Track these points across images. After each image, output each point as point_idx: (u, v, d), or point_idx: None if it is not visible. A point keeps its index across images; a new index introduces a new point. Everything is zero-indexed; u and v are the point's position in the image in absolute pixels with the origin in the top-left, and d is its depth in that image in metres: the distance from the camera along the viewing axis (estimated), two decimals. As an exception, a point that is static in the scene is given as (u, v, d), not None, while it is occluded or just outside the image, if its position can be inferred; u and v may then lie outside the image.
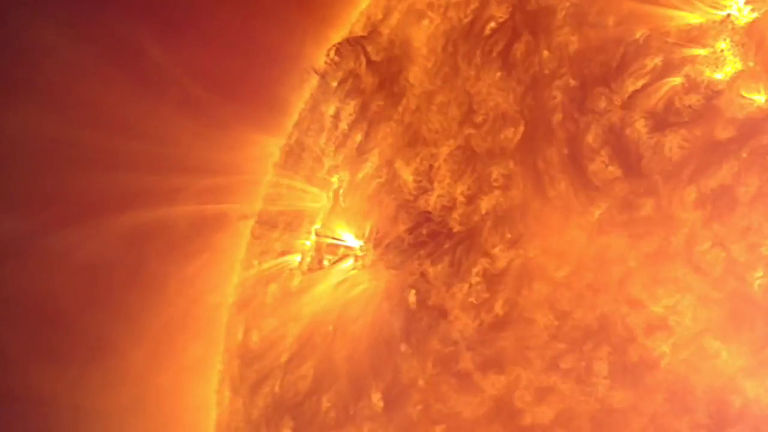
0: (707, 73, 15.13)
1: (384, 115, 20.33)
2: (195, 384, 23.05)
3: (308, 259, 21.03)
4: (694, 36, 15.47)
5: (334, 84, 22.23)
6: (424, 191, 18.61)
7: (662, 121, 15.27)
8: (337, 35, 23.38)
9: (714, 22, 15.37)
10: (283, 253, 21.89)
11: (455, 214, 17.78)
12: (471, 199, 17.57)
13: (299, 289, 20.88)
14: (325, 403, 18.96)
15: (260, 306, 21.99)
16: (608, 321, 15.16)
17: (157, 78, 21.42)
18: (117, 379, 21.15)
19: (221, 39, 22.11)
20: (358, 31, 22.68)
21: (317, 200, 21.65)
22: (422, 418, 16.92)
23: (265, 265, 22.28)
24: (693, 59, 15.36)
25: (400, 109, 19.90)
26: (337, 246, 20.41)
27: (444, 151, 18.54)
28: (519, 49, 17.79)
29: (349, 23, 23.51)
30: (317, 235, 21.02)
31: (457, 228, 17.67)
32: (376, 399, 17.92)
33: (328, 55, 22.60)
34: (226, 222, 23.18)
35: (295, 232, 21.83)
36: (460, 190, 17.83)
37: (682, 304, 14.44)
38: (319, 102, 22.63)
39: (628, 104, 15.81)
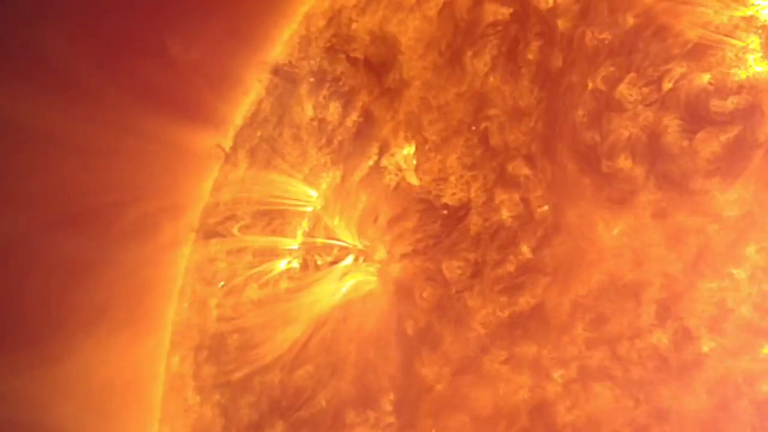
0: (736, 72, 15.02)
1: (380, 114, 19.74)
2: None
3: (297, 260, 20.34)
4: (723, 33, 15.34)
5: (306, 82, 21.71)
6: (435, 188, 18.08)
7: (692, 121, 15.14)
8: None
9: (742, 18, 15.21)
10: (266, 254, 21.11)
11: (472, 211, 17.31)
12: (488, 196, 17.14)
13: (289, 290, 20.06)
14: (327, 409, 18.21)
15: (239, 305, 21.18)
16: (641, 328, 14.93)
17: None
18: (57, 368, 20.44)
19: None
20: (321, 25, 22.32)
21: (302, 200, 20.98)
22: (439, 423, 16.39)
23: (241, 265, 21.50)
24: (720, 58, 15.21)
25: (400, 107, 19.35)
26: (332, 246, 19.78)
27: (454, 147, 18.08)
28: (531, 46, 17.49)
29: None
30: (308, 235, 20.38)
31: (474, 226, 17.20)
32: (387, 405, 17.35)
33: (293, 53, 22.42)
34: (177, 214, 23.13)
35: (278, 232, 21.07)
36: (475, 186, 17.38)
37: (727, 305, 14.32)
38: (286, 102, 22.08)
39: (653, 103, 15.67)
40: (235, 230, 22.18)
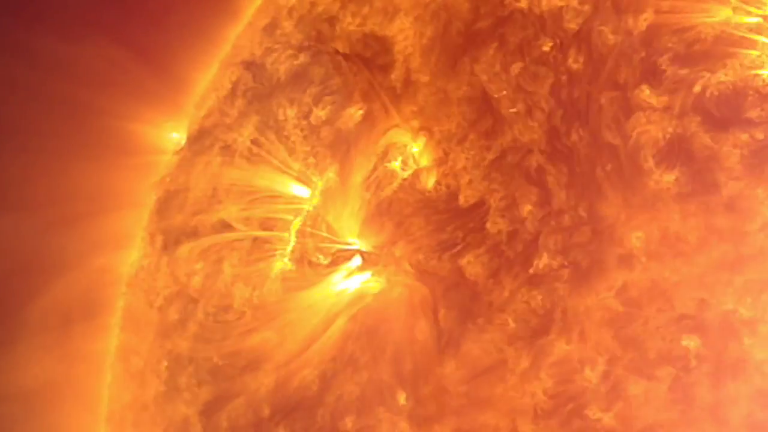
0: (759, 73, 15.25)
1: (382, 113, 19.41)
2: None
3: (291, 261, 19.78)
4: (744, 33, 15.54)
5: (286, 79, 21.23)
6: (448, 188, 17.87)
7: (718, 123, 15.32)
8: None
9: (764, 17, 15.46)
10: (253, 253, 20.47)
11: (491, 211, 17.13)
12: (508, 197, 17.02)
13: (284, 291, 19.48)
14: (332, 413, 17.81)
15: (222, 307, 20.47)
16: (669, 341, 15.07)
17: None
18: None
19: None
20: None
21: (290, 197, 20.45)
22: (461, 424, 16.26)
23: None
24: (742, 59, 15.41)
25: (407, 105, 19.10)
26: (331, 246, 19.33)
27: (467, 146, 17.92)
28: (545, 45, 17.48)
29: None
30: (303, 235, 19.86)
31: (494, 226, 17.06)
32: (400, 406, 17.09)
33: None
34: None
35: (268, 229, 20.46)
36: (492, 186, 17.23)
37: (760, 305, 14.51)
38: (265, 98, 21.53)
39: (674, 105, 15.88)
40: (209, 228, 21.50)
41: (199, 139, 22.84)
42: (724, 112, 15.29)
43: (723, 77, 15.38)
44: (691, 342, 14.78)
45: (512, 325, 16.27)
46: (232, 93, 22.55)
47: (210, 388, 19.96)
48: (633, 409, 14.92)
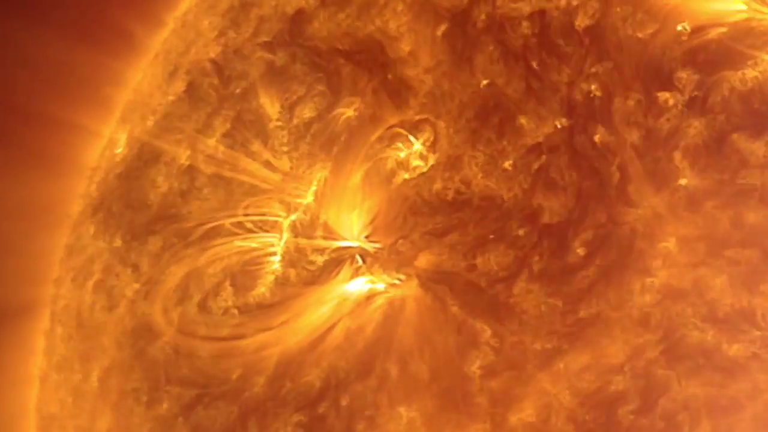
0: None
1: (380, 109, 18.73)
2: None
3: (282, 263, 18.88)
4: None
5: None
6: (456, 188, 17.34)
7: (748, 122, 15.34)
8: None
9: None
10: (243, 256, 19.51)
11: (502, 210, 16.72)
12: (522, 196, 16.64)
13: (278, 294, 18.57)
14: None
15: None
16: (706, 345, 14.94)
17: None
18: None
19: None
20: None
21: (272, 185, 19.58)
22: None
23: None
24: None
25: (407, 102, 18.49)
26: (329, 247, 18.54)
27: (475, 141, 17.45)
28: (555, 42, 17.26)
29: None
30: (296, 234, 18.99)
31: (508, 225, 16.63)
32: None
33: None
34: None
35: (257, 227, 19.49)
36: (506, 185, 16.82)
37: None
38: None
39: (695, 106, 15.82)
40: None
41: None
42: (754, 110, 15.29)
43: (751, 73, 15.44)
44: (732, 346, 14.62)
45: (534, 325, 15.84)
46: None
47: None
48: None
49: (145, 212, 21.50)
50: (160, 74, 23.82)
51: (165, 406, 19.37)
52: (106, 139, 23.94)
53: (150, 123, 22.89)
